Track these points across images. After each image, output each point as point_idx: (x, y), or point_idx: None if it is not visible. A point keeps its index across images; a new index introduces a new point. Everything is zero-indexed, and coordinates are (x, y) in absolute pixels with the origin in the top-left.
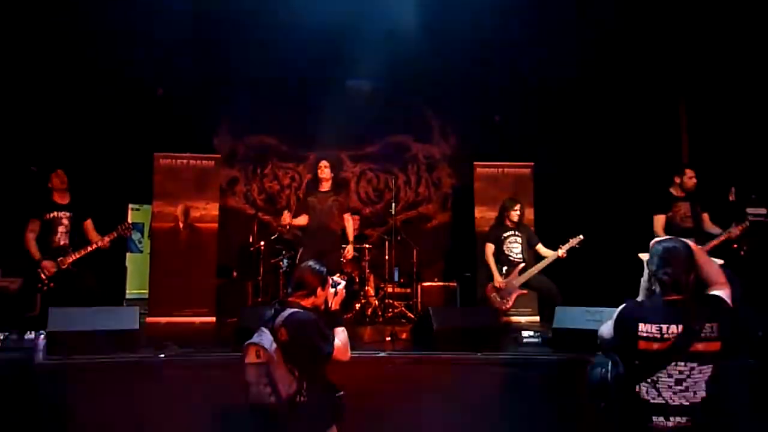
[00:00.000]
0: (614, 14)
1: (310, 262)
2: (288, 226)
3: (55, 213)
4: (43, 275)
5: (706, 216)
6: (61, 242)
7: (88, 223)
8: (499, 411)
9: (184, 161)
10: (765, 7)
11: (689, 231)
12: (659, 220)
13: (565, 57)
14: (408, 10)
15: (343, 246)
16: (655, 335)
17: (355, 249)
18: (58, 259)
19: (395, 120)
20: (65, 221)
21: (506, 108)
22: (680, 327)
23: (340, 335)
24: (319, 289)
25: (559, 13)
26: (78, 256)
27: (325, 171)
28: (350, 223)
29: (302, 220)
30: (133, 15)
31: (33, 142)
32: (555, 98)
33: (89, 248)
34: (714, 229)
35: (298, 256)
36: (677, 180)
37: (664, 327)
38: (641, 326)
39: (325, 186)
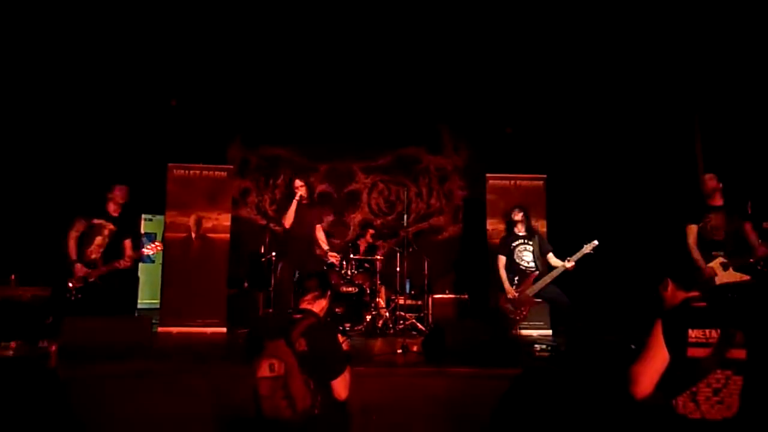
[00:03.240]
0: (626, 23)
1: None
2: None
3: (102, 221)
4: (70, 284)
5: (747, 225)
6: (93, 255)
7: (128, 243)
8: (511, 424)
9: (197, 172)
10: None
11: (719, 243)
12: (692, 231)
13: (577, 68)
14: (420, 22)
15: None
16: (701, 340)
17: (366, 261)
18: (87, 271)
19: (407, 132)
20: (105, 232)
21: (519, 120)
22: (718, 331)
23: (345, 374)
24: (328, 291)
25: (572, 25)
26: (106, 270)
27: (301, 189)
28: (321, 233)
29: (288, 221)
30: (148, 25)
31: (48, 152)
32: (568, 110)
33: (119, 264)
34: (752, 238)
35: (280, 266)
36: (702, 188)
37: (707, 332)
38: (690, 332)
39: (305, 200)
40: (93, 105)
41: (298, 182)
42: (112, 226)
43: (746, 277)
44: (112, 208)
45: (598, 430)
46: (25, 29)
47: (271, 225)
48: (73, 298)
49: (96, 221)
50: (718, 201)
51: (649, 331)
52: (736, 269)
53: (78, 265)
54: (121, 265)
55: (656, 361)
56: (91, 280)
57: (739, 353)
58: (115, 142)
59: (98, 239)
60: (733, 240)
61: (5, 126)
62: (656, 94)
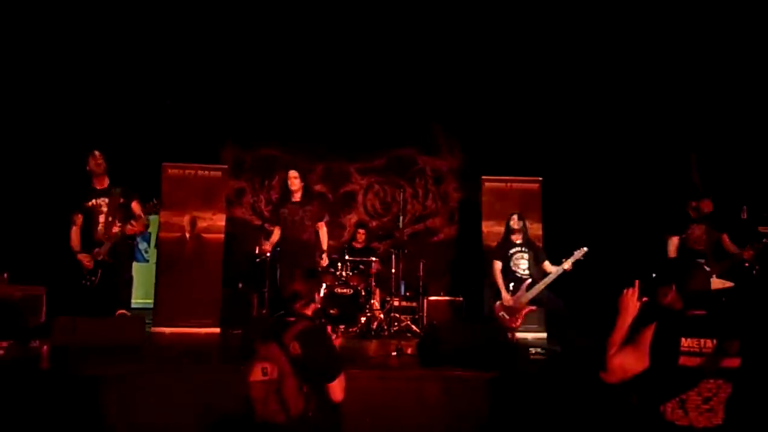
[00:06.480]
0: (625, 27)
1: (299, 272)
2: (270, 249)
3: (94, 201)
4: (84, 270)
5: (725, 236)
6: (101, 236)
7: (135, 205)
8: (505, 429)
9: (192, 171)
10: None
11: (701, 254)
12: (673, 242)
13: (574, 70)
14: (415, 22)
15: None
16: (695, 350)
17: (361, 262)
18: (94, 251)
19: (402, 133)
20: (104, 208)
21: (515, 122)
22: (714, 341)
23: (341, 377)
24: (316, 294)
25: (569, 30)
26: (110, 244)
27: (294, 182)
28: (324, 231)
29: (276, 234)
30: (143, 25)
31: (40, 151)
32: (564, 112)
33: (128, 230)
34: (731, 249)
35: (278, 273)
36: (693, 204)
37: (702, 341)
38: (683, 341)
39: (296, 197)
40: (87, 104)
41: (292, 173)
42: (106, 200)
43: (729, 284)
44: (97, 182)
45: None
46: (22, 27)
47: (266, 225)
48: (88, 283)
49: (88, 204)
50: (698, 214)
51: (643, 326)
52: (718, 276)
53: (80, 256)
54: (129, 230)
55: (634, 363)
56: (99, 258)
57: (733, 362)
58: (109, 140)
59: (101, 218)
60: (714, 250)
61: None
62: (654, 98)
